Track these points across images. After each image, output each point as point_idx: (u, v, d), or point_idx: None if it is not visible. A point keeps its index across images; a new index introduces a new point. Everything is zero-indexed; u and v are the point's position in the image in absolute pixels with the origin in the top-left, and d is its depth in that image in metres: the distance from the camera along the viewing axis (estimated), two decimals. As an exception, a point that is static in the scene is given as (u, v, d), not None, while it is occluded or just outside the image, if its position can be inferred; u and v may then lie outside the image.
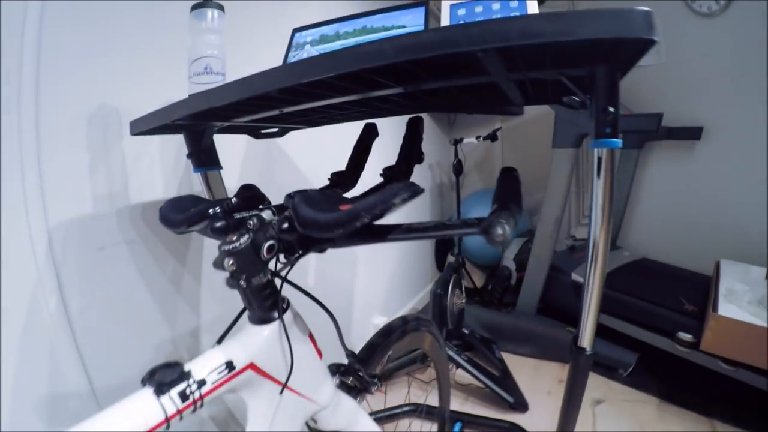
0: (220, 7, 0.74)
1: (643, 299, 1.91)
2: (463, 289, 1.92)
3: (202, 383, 0.47)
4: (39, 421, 0.81)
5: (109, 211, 0.93)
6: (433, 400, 1.23)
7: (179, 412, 0.45)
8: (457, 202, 2.36)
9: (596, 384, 1.81)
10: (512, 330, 2.08)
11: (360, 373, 0.71)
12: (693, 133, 2.24)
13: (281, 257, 0.54)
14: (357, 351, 0.77)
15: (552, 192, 1.96)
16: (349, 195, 0.77)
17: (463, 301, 1.87)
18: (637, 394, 1.74)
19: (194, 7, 0.73)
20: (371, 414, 0.79)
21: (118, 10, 0.91)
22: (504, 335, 2.08)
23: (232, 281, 0.52)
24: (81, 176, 0.89)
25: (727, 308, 1.54)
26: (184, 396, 0.45)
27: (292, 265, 0.54)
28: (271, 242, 0.51)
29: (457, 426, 1.54)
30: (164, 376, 0.45)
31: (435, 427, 1.25)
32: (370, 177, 0.84)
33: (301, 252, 0.53)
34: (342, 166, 0.85)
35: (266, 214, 0.54)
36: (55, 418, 0.83)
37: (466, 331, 1.94)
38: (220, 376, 0.49)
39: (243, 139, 1.20)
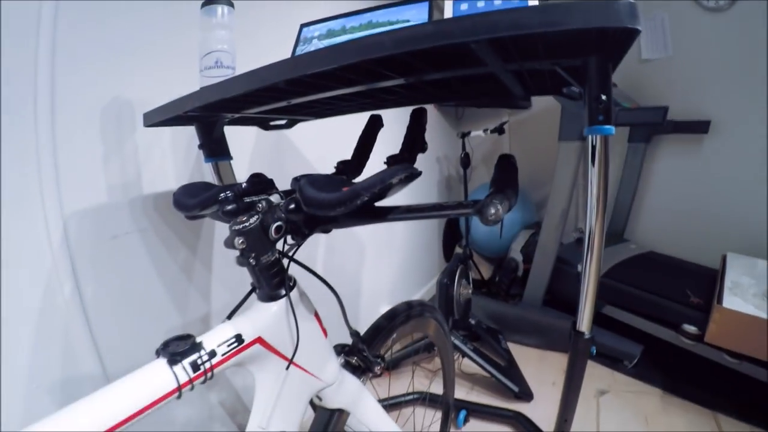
0: (230, 3, 0.76)
1: (648, 291, 1.92)
2: (470, 279, 1.94)
3: (212, 354, 0.50)
4: (53, 403, 0.83)
5: (122, 200, 0.96)
6: (438, 389, 1.25)
7: (191, 381, 0.47)
8: (464, 195, 2.37)
9: (601, 375, 1.82)
10: (518, 321, 2.10)
11: (364, 353, 0.73)
12: (701, 127, 2.22)
13: (289, 238, 0.57)
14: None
15: (558, 185, 1.97)
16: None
17: (470, 291, 1.89)
18: (641, 385, 1.75)
19: (205, 4, 0.75)
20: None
21: (129, 7, 0.93)
22: (510, 326, 2.11)
23: (242, 259, 0.54)
24: (95, 166, 0.91)
25: (732, 301, 1.54)
26: (195, 366, 0.48)
27: (299, 246, 0.57)
28: (278, 223, 0.54)
29: (462, 413, 1.56)
30: (177, 347, 0.48)
31: (439, 414, 1.28)
32: (375, 166, 0.86)
33: (307, 231, 0.56)
34: (348, 156, 0.86)
35: (274, 198, 0.57)
36: (68, 400, 0.86)
37: (472, 322, 1.96)
38: (229, 348, 0.52)
39: (252, 130, 1.22)
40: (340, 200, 0.45)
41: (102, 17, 0.89)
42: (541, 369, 1.88)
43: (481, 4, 0.61)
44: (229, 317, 0.57)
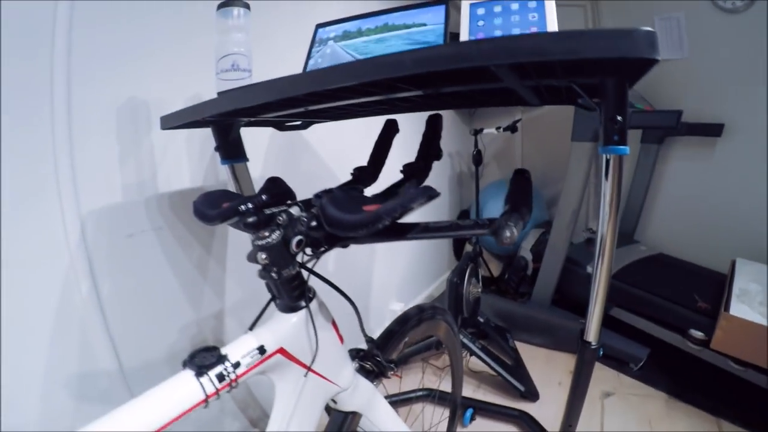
0: (246, 6, 0.76)
1: (656, 294, 1.92)
2: (480, 278, 1.95)
3: (236, 365, 0.52)
4: (69, 397, 0.85)
5: (138, 199, 0.97)
6: (447, 386, 1.26)
7: (217, 391, 0.49)
8: (476, 192, 2.36)
9: (606, 377, 1.83)
10: (526, 320, 2.11)
11: (378, 358, 0.75)
12: (714, 130, 2.20)
13: (308, 250, 0.58)
14: (373, 335, 0.80)
15: (570, 184, 1.96)
16: (370, 190, 0.81)
17: (479, 290, 1.90)
18: (646, 388, 1.75)
19: (221, 6, 0.75)
20: (386, 397, 0.83)
21: (144, 7, 0.94)
22: (518, 325, 2.11)
23: (264, 273, 0.56)
24: (111, 166, 0.92)
25: (738, 308, 1.54)
26: (221, 377, 0.50)
27: (318, 258, 0.59)
28: (299, 237, 0.55)
29: (469, 412, 1.57)
30: (204, 360, 0.50)
31: (447, 412, 1.30)
32: (391, 170, 0.87)
33: (326, 247, 0.57)
34: (363, 155, 0.87)
35: (294, 210, 0.58)
36: (85, 395, 0.88)
37: (481, 320, 1.97)
38: (252, 359, 0.54)
39: (268, 130, 1.23)
40: (363, 223, 0.46)
41: (117, 17, 0.89)
42: (548, 369, 1.89)
43: (498, 9, 0.61)
44: (251, 328, 0.58)
